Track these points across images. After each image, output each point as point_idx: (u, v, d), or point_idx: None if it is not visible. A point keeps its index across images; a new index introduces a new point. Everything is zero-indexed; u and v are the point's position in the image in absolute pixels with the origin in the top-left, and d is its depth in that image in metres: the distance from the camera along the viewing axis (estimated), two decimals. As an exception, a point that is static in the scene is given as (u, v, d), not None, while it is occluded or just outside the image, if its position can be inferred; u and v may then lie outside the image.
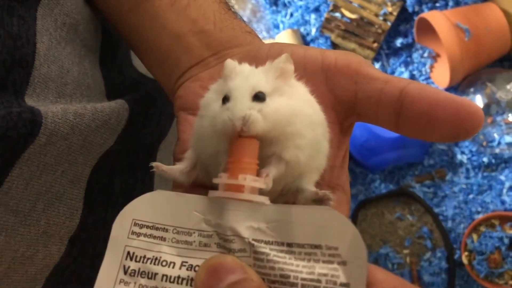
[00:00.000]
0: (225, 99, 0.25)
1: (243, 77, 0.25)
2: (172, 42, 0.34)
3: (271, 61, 0.27)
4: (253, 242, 0.23)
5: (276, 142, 0.25)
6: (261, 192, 0.24)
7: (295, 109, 0.25)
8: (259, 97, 0.24)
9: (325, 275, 0.21)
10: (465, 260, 0.99)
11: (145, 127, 0.41)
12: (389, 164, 1.10)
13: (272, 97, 0.25)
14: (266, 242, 0.23)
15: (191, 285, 0.23)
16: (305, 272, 0.22)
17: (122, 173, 0.40)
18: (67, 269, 0.35)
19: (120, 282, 0.23)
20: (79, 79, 0.35)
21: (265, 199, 0.24)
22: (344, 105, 0.29)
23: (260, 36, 0.38)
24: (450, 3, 1.12)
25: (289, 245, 0.23)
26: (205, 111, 0.26)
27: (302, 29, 1.25)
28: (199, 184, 0.28)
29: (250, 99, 0.24)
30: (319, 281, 0.21)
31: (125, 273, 0.24)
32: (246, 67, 0.27)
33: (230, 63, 0.27)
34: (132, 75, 0.47)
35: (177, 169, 0.28)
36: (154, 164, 0.27)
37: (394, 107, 0.27)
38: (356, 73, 0.28)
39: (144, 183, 0.43)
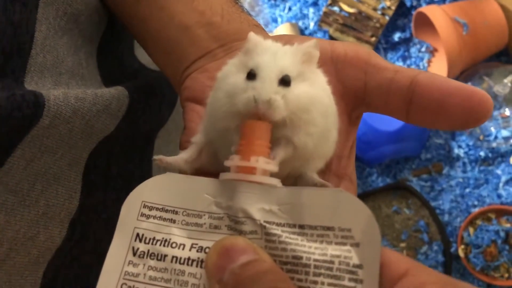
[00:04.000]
0: (251, 76, 0.24)
1: (272, 55, 0.25)
2: (179, 34, 0.34)
3: (299, 43, 0.26)
4: (264, 224, 0.23)
5: (289, 126, 0.24)
6: (272, 174, 0.24)
7: (314, 97, 0.25)
8: (285, 81, 0.24)
9: (338, 256, 0.21)
10: (461, 253, 1.00)
11: (145, 114, 0.41)
12: (386, 158, 1.10)
13: (295, 82, 0.25)
14: (278, 224, 0.23)
15: (201, 267, 0.23)
16: (317, 253, 0.22)
17: (119, 158, 0.40)
18: (69, 253, 0.35)
19: (129, 263, 0.23)
20: (73, 69, 0.35)
21: (277, 182, 0.24)
22: (354, 95, 0.29)
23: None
24: (448, -2, 1.12)
25: (301, 227, 0.22)
26: (222, 84, 0.26)
27: (300, 23, 1.24)
28: (203, 172, 0.28)
29: (277, 82, 0.24)
30: (332, 262, 0.21)
31: (134, 254, 0.24)
32: (271, 43, 0.26)
33: (254, 36, 0.26)
34: (132, 65, 0.47)
35: (181, 159, 0.27)
36: (157, 157, 0.27)
37: (405, 96, 0.27)
38: (365, 63, 0.29)
39: (142, 168, 0.43)
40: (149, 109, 0.42)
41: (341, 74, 0.29)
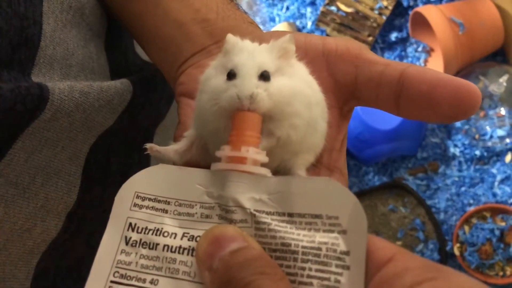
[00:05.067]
0: (231, 75, 0.25)
1: (249, 53, 0.25)
2: (175, 30, 0.35)
3: (275, 40, 0.27)
4: (254, 212, 0.23)
5: (273, 120, 0.25)
6: (262, 165, 0.24)
7: (295, 90, 0.26)
8: (264, 76, 0.25)
9: (325, 243, 0.22)
10: (456, 252, 1.00)
11: (145, 109, 0.41)
12: (382, 157, 1.11)
13: (275, 76, 0.25)
14: (268, 213, 0.23)
15: (192, 255, 0.23)
16: (305, 240, 0.22)
17: (119, 153, 0.40)
18: (63, 245, 0.35)
19: (122, 252, 0.24)
20: (83, 62, 0.36)
21: (266, 171, 0.24)
22: (345, 89, 0.30)
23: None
24: (445, -2, 1.13)
25: (290, 215, 0.23)
26: (206, 86, 0.26)
27: (298, 23, 1.25)
28: (193, 165, 0.28)
29: (256, 78, 0.24)
30: (319, 249, 0.22)
31: (127, 243, 0.24)
32: (248, 43, 0.27)
33: (232, 38, 0.27)
34: (136, 61, 0.47)
35: (171, 149, 0.28)
36: (148, 145, 0.28)
37: (395, 89, 0.28)
38: (356, 57, 0.29)
39: (141, 164, 0.43)
40: (149, 103, 0.42)
41: (332, 68, 0.30)
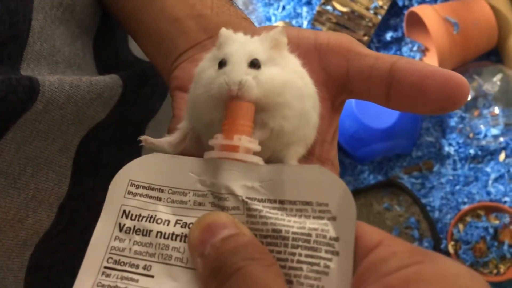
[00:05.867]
0: (222, 64, 0.25)
1: (240, 43, 0.26)
2: (170, 26, 0.35)
3: (267, 32, 0.27)
4: (246, 200, 0.23)
5: (265, 111, 0.25)
6: (254, 153, 0.25)
7: (287, 80, 0.26)
8: (254, 64, 0.25)
9: (315, 229, 0.22)
10: (451, 250, 1.01)
11: (137, 104, 0.42)
12: (378, 155, 1.11)
13: (266, 66, 0.26)
14: (259, 200, 0.24)
15: (184, 242, 0.24)
16: (296, 227, 0.22)
17: (110, 146, 0.41)
18: (56, 238, 0.35)
19: (116, 239, 0.24)
20: (69, 59, 0.36)
21: (259, 160, 0.25)
22: (336, 82, 0.30)
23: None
24: (440, -2, 1.14)
25: (281, 202, 0.23)
26: (199, 78, 0.27)
27: (294, 22, 1.26)
28: (186, 155, 0.29)
29: (246, 65, 0.25)
30: (309, 235, 0.22)
31: (121, 230, 0.24)
32: (241, 36, 0.27)
33: (225, 31, 0.27)
34: (127, 57, 0.47)
35: (165, 141, 0.28)
36: (142, 137, 0.28)
37: (385, 81, 0.28)
38: (347, 51, 0.30)
39: (132, 157, 0.44)
40: (140, 98, 0.42)
41: (324, 61, 0.30)
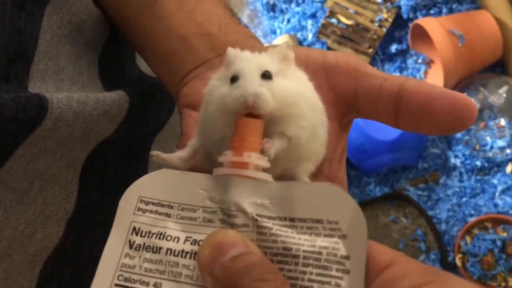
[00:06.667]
0: (234, 79, 0.25)
1: (249, 59, 0.26)
2: (178, 44, 0.35)
3: (273, 48, 0.28)
4: (256, 217, 0.23)
5: (280, 122, 0.25)
6: (264, 170, 0.25)
7: (299, 91, 0.26)
8: (266, 76, 0.25)
9: (326, 247, 0.22)
10: (458, 262, 1.00)
11: (144, 119, 0.42)
12: (384, 167, 1.11)
13: (277, 78, 0.26)
14: (269, 217, 0.23)
15: (194, 259, 0.23)
16: (306, 245, 0.22)
17: (116, 161, 0.41)
18: (65, 253, 0.35)
19: (126, 256, 0.24)
20: (73, 77, 0.36)
21: (268, 176, 0.25)
22: (344, 101, 0.30)
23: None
24: (444, 10, 1.14)
25: (291, 219, 0.23)
26: (211, 97, 0.27)
27: (299, 35, 1.26)
28: (197, 171, 0.29)
29: (259, 77, 0.25)
30: (320, 253, 0.22)
31: (131, 247, 0.24)
32: (248, 53, 0.28)
33: (232, 50, 0.27)
34: (134, 73, 0.48)
35: (176, 156, 0.28)
36: (154, 153, 0.28)
37: (393, 102, 0.28)
38: (355, 71, 0.30)
39: (138, 172, 0.44)
40: (147, 114, 0.43)
41: (332, 81, 0.30)
